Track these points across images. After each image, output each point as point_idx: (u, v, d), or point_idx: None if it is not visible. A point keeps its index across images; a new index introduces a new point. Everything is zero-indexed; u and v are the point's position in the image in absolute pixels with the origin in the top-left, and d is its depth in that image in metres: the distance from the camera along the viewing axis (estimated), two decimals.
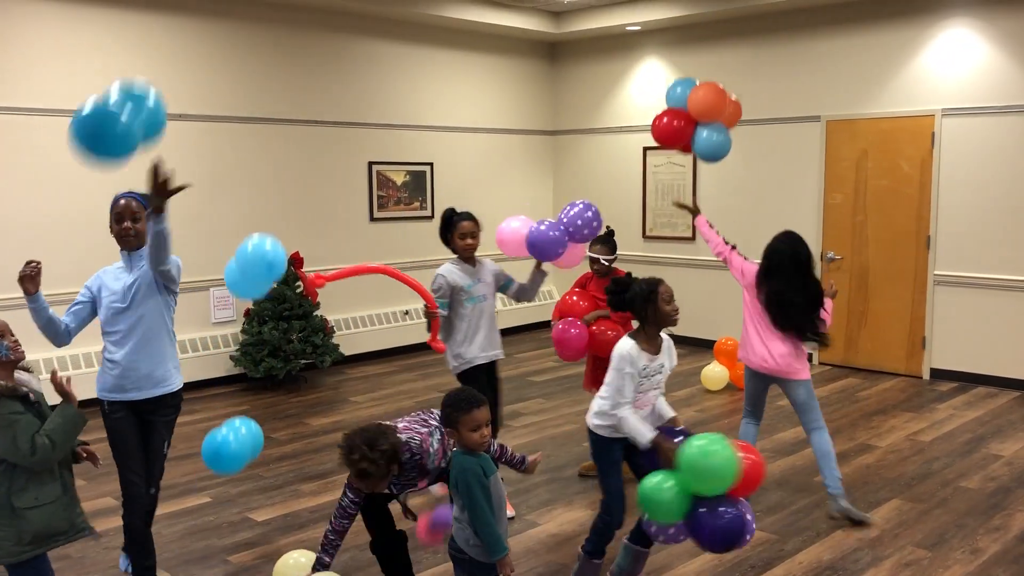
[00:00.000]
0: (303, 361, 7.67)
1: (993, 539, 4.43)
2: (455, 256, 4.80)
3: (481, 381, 4.69)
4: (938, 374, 7.77)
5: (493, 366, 4.89)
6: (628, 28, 9.32)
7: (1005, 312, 7.37)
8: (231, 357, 7.69)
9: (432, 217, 9.26)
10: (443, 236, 4.83)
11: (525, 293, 4.93)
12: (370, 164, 8.75)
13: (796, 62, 8.42)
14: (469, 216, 4.77)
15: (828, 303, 4.75)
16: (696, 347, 8.83)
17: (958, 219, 7.54)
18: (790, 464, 5.55)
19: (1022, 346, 7.31)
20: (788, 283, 4.58)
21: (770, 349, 4.66)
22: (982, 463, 5.57)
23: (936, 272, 7.68)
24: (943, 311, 7.70)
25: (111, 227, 3.82)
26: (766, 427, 6.28)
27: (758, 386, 4.89)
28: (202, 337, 7.66)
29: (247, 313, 7.65)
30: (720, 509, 3.21)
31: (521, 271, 4.98)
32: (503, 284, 4.92)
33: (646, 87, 9.58)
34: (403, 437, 3.36)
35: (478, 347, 4.75)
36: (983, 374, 7.53)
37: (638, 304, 3.66)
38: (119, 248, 3.84)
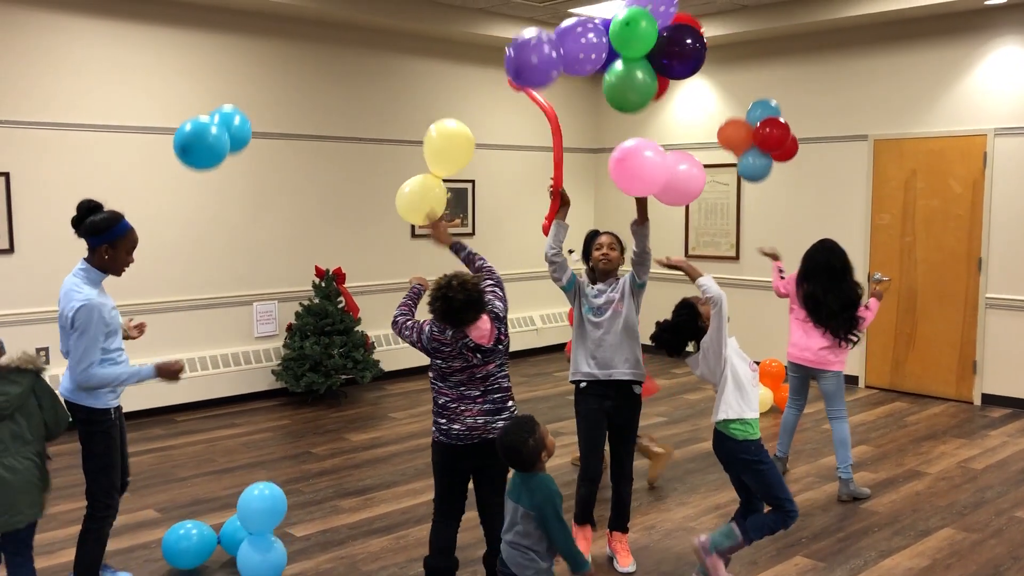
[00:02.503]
0: (344, 376, 7.69)
1: None
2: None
3: (590, 404, 4.25)
4: (990, 399, 7.57)
5: (623, 391, 4.26)
6: None
7: None
8: (272, 371, 7.74)
9: (473, 234, 9.26)
10: (584, 256, 4.64)
11: (638, 257, 4.21)
12: None
13: (842, 80, 8.31)
14: (609, 232, 4.47)
15: (873, 303, 5.33)
16: None
17: (1011, 240, 7.36)
18: (835, 489, 5.42)
19: None
20: (822, 287, 5.22)
21: (809, 344, 5.31)
22: None
23: (988, 295, 7.49)
24: (995, 335, 7.51)
25: (119, 257, 3.77)
26: (811, 452, 6.18)
27: (799, 377, 5.53)
28: (244, 351, 7.71)
29: (289, 328, 7.70)
30: None
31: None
32: (632, 279, 4.25)
33: (689, 105, 9.52)
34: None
35: (585, 362, 4.26)
36: None
37: (691, 326, 3.92)
38: (102, 273, 3.77)
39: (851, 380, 8.33)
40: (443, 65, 8.97)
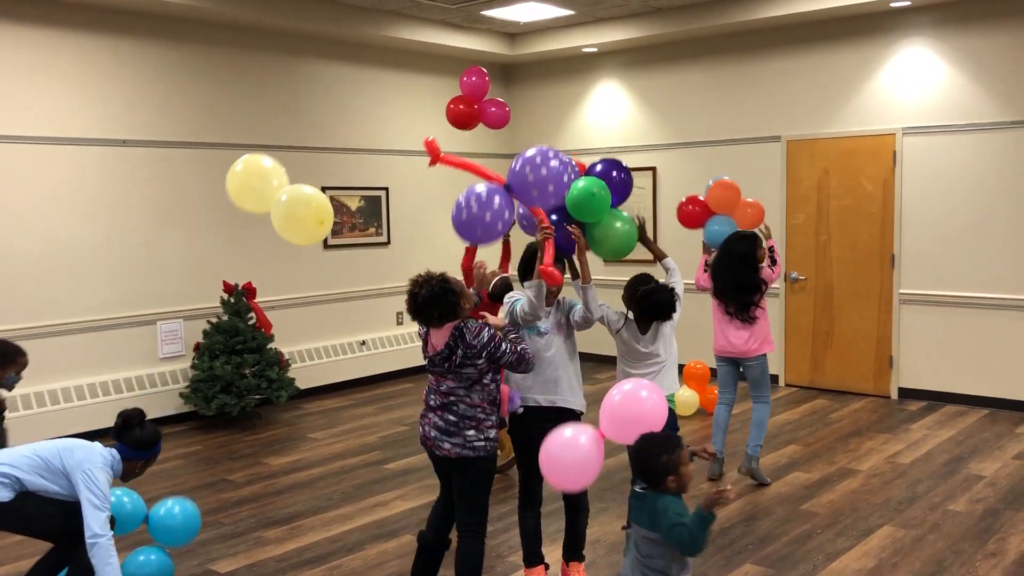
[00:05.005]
0: (257, 397, 7.30)
1: (992, 564, 4.31)
2: None
3: (529, 427, 3.85)
4: (906, 393, 7.73)
5: (565, 418, 3.73)
6: (584, 50, 9.21)
7: (971, 330, 7.36)
8: (180, 394, 7.28)
9: (388, 243, 8.98)
10: (522, 273, 3.98)
11: (584, 323, 3.98)
12: (323, 189, 8.44)
13: (755, 82, 8.39)
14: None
15: (776, 267, 5.67)
16: None
17: (922, 237, 7.54)
18: (775, 492, 5.39)
19: (988, 364, 7.31)
20: (720, 267, 5.53)
21: (728, 337, 5.54)
22: (965, 484, 5.47)
23: (901, 291, 7.65)
24: (909, 330, 7.67)
25: (144, 469, 3.91)
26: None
27: (727, 369, 5.70)
28: (148, 374, 7.23)
29: (197, 347, 7.27)
30: None
31: None
32: (570, 310, 4.02)
33: (604, 109, 9.47)
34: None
35: (528, 387, 3.92)
36: (951, 392, 7.50)
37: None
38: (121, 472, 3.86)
39: (771, 379, 8.39)
40: (353, 69, 8.67)
